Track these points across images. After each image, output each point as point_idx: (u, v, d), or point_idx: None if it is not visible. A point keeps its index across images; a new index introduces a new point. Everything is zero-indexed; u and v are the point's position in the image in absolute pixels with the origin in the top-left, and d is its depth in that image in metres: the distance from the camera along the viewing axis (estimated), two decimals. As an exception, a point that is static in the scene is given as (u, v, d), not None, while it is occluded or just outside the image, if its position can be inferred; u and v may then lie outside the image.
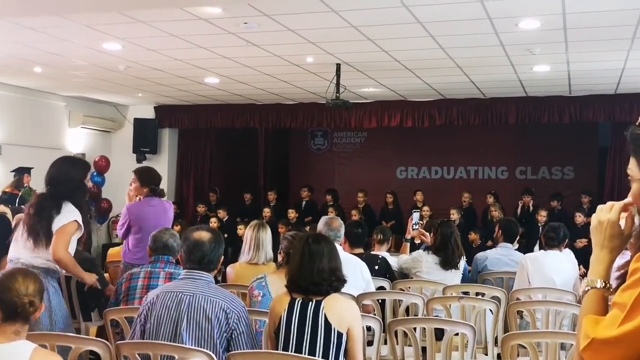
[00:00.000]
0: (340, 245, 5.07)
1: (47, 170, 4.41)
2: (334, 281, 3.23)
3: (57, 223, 4.19)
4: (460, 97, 10.80)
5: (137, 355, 3.15)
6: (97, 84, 10.21)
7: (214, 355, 3.04)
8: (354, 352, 3.18)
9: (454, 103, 11.01)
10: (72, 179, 4.38)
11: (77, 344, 3.15)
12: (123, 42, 7.35)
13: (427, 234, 6.03)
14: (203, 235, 3.45)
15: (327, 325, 3.11)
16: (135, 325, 3.41)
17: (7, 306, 2.54)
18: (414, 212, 6.46)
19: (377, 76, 9.18)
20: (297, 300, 3.19)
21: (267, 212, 11.04)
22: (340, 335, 3.12)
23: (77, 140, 12.10)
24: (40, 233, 4.17)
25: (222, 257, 3.54)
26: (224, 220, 11.16)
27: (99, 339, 3.21)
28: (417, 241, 6.67)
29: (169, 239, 4.55)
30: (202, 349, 3.09)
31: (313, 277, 3.17)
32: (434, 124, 11.24)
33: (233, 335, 3.25)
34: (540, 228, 9.27)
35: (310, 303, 3.17)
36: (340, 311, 3.17)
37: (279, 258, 4.35)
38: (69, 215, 4.23)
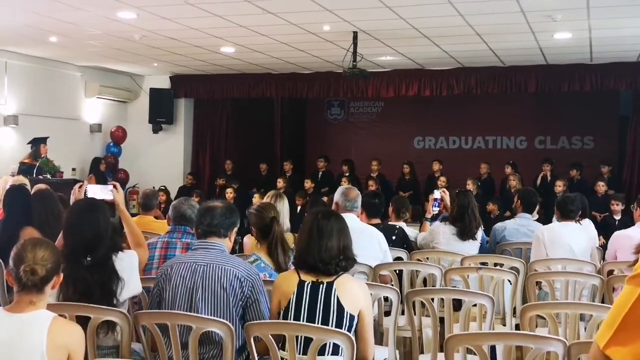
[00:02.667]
0: (357, 215, 5.04)
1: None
2: (342, 260, 3.12)
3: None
4: (479, 65, 10.65)
5: (155, 325, 3.16)
6: (112, 53, 10.18)
7: (231, 325, 3.03)
8: (364, 333, 3.12)
9: (472, 72, 10.86)
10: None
11: (95, 314, 3.15)
12: (138, 10, 7.29)
13: (448, 200, 5.99)
14: (216, 203, 3.52)
15: (340, 308, 3.05)
16: (152, 295, 3.42)
17: (17, 276, 2.55)
18: (435, 190, 6.38)
19: (394, 44, 9.05)
20: (306, 283, 3.10)
21: (280, 182, 10.94)
22: (352, 317, 3.07)
23: (94, 111, 12.12)
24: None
25: (236, 227, 3.52)
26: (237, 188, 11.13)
27: (117, 309, 3.21)
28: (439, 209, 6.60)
29: (187, 210, 4.54)
30: (219, 319, 3.09)
31: (321, 254, 3.08)
32: (452, 93, 11.11)
33: (248, 303, 3.24)
34: (558, 198, 9.16)
35: (322, 286, 3.09)
36: (352, 293, 3.10)
37: (252, 234, 4.16)
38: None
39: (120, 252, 3.39)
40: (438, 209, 6.10)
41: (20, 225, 4.49)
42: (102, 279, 3.26)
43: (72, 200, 3.89)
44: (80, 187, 3.92)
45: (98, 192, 4.00)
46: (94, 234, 3.29)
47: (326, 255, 3.10)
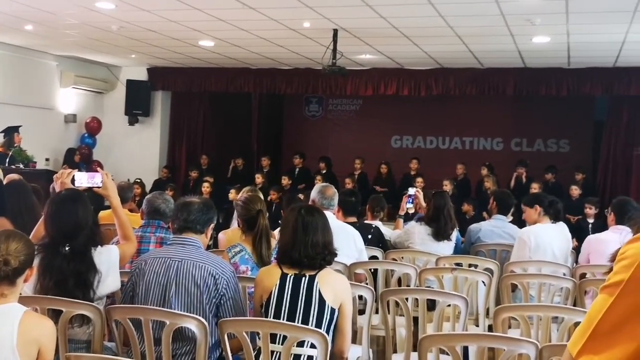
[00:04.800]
0: (334, 213, 5.03)
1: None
2: (327, 255, 3.15)
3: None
4: (458, 66, 10.70)
5: (128, 320, 3.12)
6: (89, 43, 10.05)
7: (204, 321, 3.01)
8: (344, 327, 3.14)
9: (451, 72, 10.92)
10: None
11: (68, 308, 3.11)
12: (117, 1, 7.20)
13: (422, 199, 6.05)
14: (194, 199, 3.49)
15: (322, 301, 3.06)
16: (125, 290, 3.38)
17: None
18: (410, 188, 6.44)
19: (374, 43, 9.06)
20: (289, 276, 3.11)
21: (259, 178, 10.93)
22: (333, 310, 3.08)
23: (69, 101, 11.96)
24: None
25: (212, 224, 3.49)
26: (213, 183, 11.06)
27: (90, 302, 3.16)
28: (411, 211, 6.66)
29: (161, 204, 4.51)
30: (193, 315, 3.07)
31: (307, 250, 3.09)
32: (431, 93, 11.16)
33: (222, 301, 3.22)
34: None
35: (304, 278, 3.10)
36: (334, 287, 3.12)
37: (238, 225, 4.18)
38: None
39: (99, 246, 3.35)
40: (412, 205, 6.14)
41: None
42: (79, 269, 3.22)
43: (56, 188, 3.77)
44: (68, 173, 3.79)
45: (85, 180, 3.77)
46: (73, 224, 3.25)
47: (312, 250, 3.10)
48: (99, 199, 4.00)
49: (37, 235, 3.45)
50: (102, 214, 6.39)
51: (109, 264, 3.35)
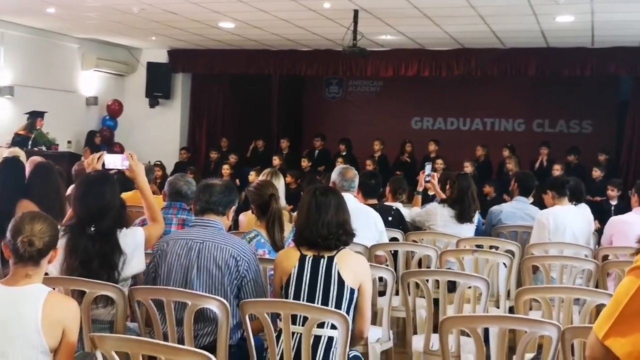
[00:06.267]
0: (354, 195, 5.02)
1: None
2: (342, 235, 3.13)
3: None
4: (480, 47, 10.58)
5: (150, 301, 3.15)
6: (110, 26, 10.08)
7: (226, 302, 3.03)
8: (363, 307, 3.15)
9: (472, 53, 10.80)
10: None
11: (91, 289, 3.14)
12: (137, -17, 7.21)
13: (436, 184, 6.00)
14: (216, 181, 3.51)
15: (341, 282, 3.06)
16: (147, 271, 3.41)
17: (14, 248, 2.53)
18: (427, 164, 6.40)
19: (395, 23, 8.98)
20: (307, 257, 3.11)
21: (276, 160, 10.82)
22: (352, 291, 3.07)
23: (90, 83, 12.03)
24: None
25: (234, 206, 3.51)
26: (234, 164, 11.08)
27: (112, 284, 3.20)
28: (431, 193, 6.63)
29: (182, 186, 4.54)
30: (214, 296, 3.09)
31: (319, 230, 3.09)
32: (452, 74, 11.06)
33: (243, 282, 3.24)
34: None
35: (322, 260, 3.09)
36: (353, 268, 3.11)
37: (252, 211, 4.16)
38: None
39: (125, 228, 3.38)
40: (430, 179, 6.11)
41: (16, 199, 4.46)
42: (104, 250, 3.26)
43: (87, 170, 3.78)
44: (99, 158, 3.80)
45: (119, 162, 3.80)
46: (100, 205, 3.29)
47: (324, 230, 3.09)
48: (128, 181, 4.02)
49: (69, 219, 3.49)
50: (125, 195, 6.43)
51: (134, 245, 3.38)
